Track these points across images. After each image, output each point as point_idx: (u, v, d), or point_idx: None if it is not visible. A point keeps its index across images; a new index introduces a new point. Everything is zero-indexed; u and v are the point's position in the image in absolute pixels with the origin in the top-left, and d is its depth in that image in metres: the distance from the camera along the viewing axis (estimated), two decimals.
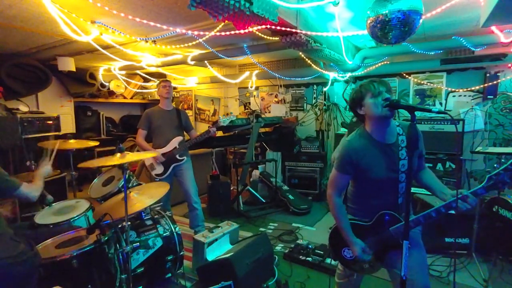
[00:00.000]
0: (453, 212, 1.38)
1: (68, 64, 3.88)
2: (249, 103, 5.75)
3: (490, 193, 3.39)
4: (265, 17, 1.75)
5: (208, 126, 3.15)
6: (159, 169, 3.13)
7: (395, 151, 1.49)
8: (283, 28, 2.18)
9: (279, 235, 3.41)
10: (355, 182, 1.61)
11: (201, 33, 2.75)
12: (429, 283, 1.47)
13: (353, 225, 1.57)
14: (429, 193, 1.59)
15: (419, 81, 4.18)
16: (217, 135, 4.97)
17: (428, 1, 2.15)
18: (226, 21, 1.70)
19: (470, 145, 3.89)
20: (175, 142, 3.14)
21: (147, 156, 2.71)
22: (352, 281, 1.79)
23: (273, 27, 2.13)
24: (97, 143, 3.31)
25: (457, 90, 3.95)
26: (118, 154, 1.89)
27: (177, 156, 3.12)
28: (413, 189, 2.87)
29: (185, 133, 3.33)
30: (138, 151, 4.03)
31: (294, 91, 5.37)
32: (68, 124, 5.04)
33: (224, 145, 5.21)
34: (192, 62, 4.00)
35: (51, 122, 4.03)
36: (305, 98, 5.28)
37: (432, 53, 3.36)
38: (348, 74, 4.27)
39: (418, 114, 1.45)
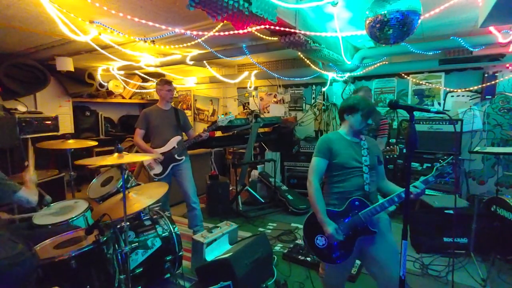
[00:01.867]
0: (451, 212, 1.42)
1: (67, 64, 3.87)
2: (248, 103, 5.76)
3: (489, 193, 3.41)
4: (264, 17, 1.75)
5: (204, 129, 3.13)
6: (157, 169, 3.11)
7: (358, 148, 1.80)
8: (282, 28, 2.18)
9: (278, 235, 3.41)
10: (327, 171, 1.81)
11: (200, 33, 2.75)
12: (397, 270, 1.53)
13: (328, 211, 1.73)
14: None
15: (417, 81, 4.19)
16: (216, 135, 4.99)
17: (426, 2, 2.16)
18: (225, 21, 1.70)
19: (468, 145, 3.90)
20: (173, 142, 3.12)
21: (145, 158, 2.70)
22: (338, 273, 1.86)
23: (272, 27, 2.14)
24: (95, 143, 3.30)
25: (455, 90, 3.97)
26: (116, 154, 1.89)
27: (176, 156, 3.11)
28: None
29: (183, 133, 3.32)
30: (137, 151, 4.02)
31: (293, 91, 5.38)
32: (66, 124, 5.03)
33: (223, 145, 5.21)
34: (191, 62, 4.00)
35: (49, 122, 4.02)
36: (304, 98, 5.28)
37: (431, 53, 3.37)
38: (347, 74, 4.28)
39: (416, 114, 1.48)
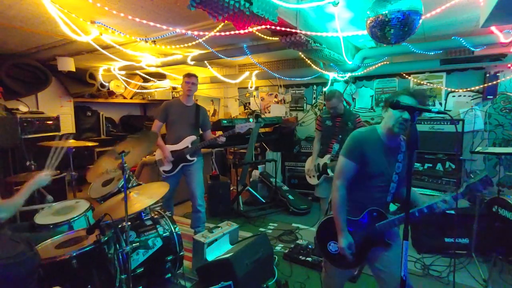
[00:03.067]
0: (452, 212, 1.41)
1: (68, 64, 3.88)
2: (249, 103, 5.76)
3: (490, 194, 3.39)
4: (265, 17, 1.75)
5: (220, 134, 3.06)
6: (167, 166, 3.05)
7: (395, 153, 1.59)
8: (283, 28, 2.18)
9: (278, 235, 3.41)
10: (354, 177, 1.63)
11: (201, 33, 2.75)
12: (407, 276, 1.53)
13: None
14: (429, 193, 1.62)
15: (419, 81, 4.18)
16: (216, 135, 4.97)
17: (427, 1, 2.15)
18: (226, 21, 1.70)
19: (469, 145, 3.89)
20: (187, 141, 3.03)
21: (145, 156, 2.69)
22: (341, 272, 1.82)
23: (273, 27, 2.14)
24: (96, 143, 3.32)
25: (456, 90, 3.96)
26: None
27: (188, 156, 3.02)
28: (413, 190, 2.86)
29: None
30: None
31: (294, 91, 5.38)
32: (67, 124, 5.04)
33: (224, 145, 5.19)
34: (192, 62, 4.00)
35: (50, 122, 4.03)
36: (305, 98, 5.28)
37: (432, 53, 3.36)
38: (348, 74, 4.27)
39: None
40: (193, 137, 3.06)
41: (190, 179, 3.11)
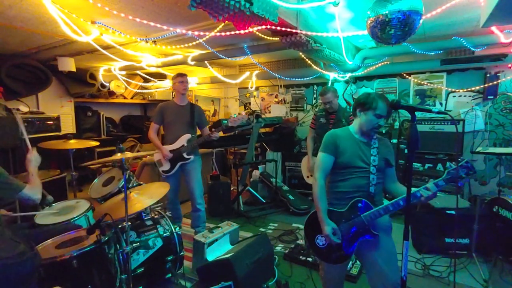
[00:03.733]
0: (453, 212, 1.41)
1: (68, 65, 3.88)
2: (249, 103, 5.76)
3: (491, 194, 3.39)
4: (265, 18, 1.75)
5: (212, 130, 3.11)
6: (166, 166, 3.10)
7: (367, 147, 1.71)
8: (283, 29, 2.18)
9: (279, 235, 3.41)
10: (333, 170, 1.73)
11: (201, 33, 2.75)
12: (398, 272, 1.57)
13: (329, 211, 1.67)
14: (430, 193, 1.60)
15: (419, 81, 4.18)
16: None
17: (428, 1, 2.15)
18: (226, 21, 1.70)
19: (470, 145, 3.89)
20: (183, 139, 3.07)
21: (144, 154, 2.70)
22: (338, 271, 1.85)
23: (273, 27, 2.13)
24: (97, 143, 3.31)
25: (457, 90, 3.95)
26: (119, 154, 1.89)
27: (184, 155, 3.06)
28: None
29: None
30: (138, 151, 4.02)
31: (294, 91, 5.38)
32: (68, 125, 5.05)
33: (224, 145, 5.21)
34: (192, 63, 4.01)
35: (51, 122, 4.04)
36: (305, 98, 5.28)
37: (432, 53, 3.36)
38: (348, 75, 4.27)
39: (418, 114, 1.48)
40: (188, 136, 3.10)
41: (188, 177, 3.14)
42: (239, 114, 3.14)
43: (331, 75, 4.40)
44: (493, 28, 2.71)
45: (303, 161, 3.59)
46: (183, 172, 3.16)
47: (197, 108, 3.25)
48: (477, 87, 3.80)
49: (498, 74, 3.65)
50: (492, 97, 3.74)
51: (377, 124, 1.63)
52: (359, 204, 1.65)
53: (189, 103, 3.20)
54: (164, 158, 3.07)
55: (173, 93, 6.35)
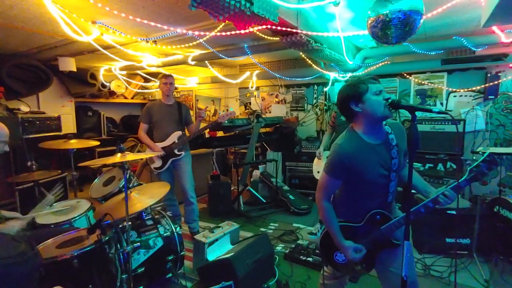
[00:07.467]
0: (453, 212, 1.40)
1: (69, 64, 3.88)
2: (250, 103, 5.76)
3: (492, 194, 3.38)
4: (265, 17, 1.75)
5: (199, 108, 3.16)
6: (157, 163, 3.17)
7: (386, 150, 1.44)
8: (284, 28, 2.18)
9: (279, 235, 3.41)
10: (346, 185, 1.51)
11: (202, 33, 2.75)
12: (416, 277, 1.54)
13: (344, 227, 1.52)
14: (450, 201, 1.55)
15: (420, 81, 4.18)
16: (217, 135, 4.99)
17: (429, 1, 2.15)
18: (227, 21, 1.70)
19: (471, 145, 3.88)
20: (174, 136, 3.16)
21: (147, 156, 2.72)
22: (341, 281, 1.80)
23: (273, 27, 2.13)
24: (97, 143, 3.32)
25: (458, 90, 3.95)
26: (119, 154, 1.90)
27: (175, 151, 3.14)
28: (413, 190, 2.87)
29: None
30: (139, 151, 4.04)
31: (294, 91, 5.37)
32: (69, 124, 5.05)
33: (224, 145, 5.21)
34: (193, 62, 4.01)
35: (52, 122, 4.03)
36: (305, 98, 5.28)
37: (433, 53, 3.35)
38: (349, 74, 4.26)
39: (419, 114, 1.45)
40: (179, 133, 3.18)
41: (180, 172, 3.22)
42: (227, 110, 3.17)
43: (332, 75, 4.40)
44: (494, 28, 2.71)
45: (315, 160, 3.63)
46: (174, 167, 3.24)
47: (184, 106, 3.35)
48: (478, 87, 3.79)
49: (499, 74, 3.64)
50: (493, 97, 3.74)
51: (384, 100, 1.35)
52: (377, 217, 1.49)
53: (176, 102, 3.28)
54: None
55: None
